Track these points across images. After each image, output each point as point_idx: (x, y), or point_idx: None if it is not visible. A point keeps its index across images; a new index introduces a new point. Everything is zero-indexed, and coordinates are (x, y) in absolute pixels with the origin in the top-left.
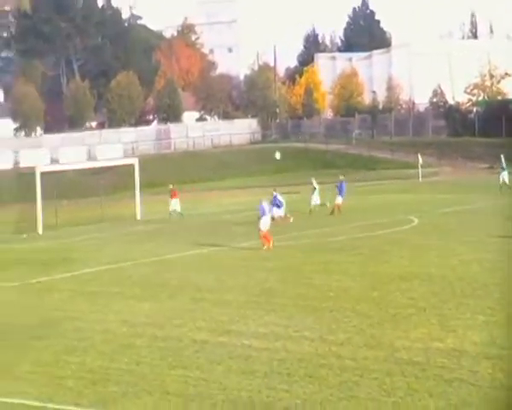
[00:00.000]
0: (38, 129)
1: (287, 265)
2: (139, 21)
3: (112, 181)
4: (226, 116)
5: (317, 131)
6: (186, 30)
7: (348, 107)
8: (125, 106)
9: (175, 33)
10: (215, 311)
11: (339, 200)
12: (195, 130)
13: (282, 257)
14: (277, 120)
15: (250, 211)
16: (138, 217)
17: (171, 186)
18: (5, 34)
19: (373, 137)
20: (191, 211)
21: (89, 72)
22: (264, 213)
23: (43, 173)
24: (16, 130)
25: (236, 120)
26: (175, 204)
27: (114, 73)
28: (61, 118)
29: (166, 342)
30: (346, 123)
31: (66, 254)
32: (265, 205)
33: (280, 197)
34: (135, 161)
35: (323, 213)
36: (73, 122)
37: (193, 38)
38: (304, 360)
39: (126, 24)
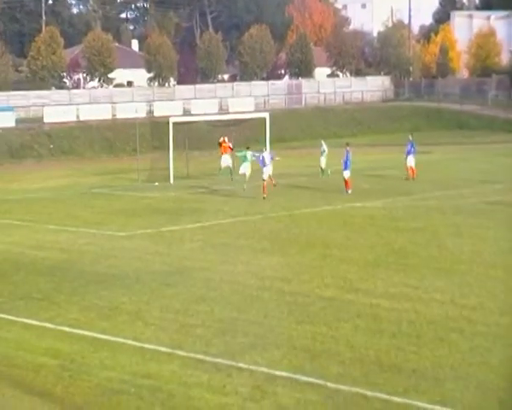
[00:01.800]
0: (172, 79)
1: (417, 226)
2: None
3: (243, 134)
4: (358, 73)
5: (451, 91)
6: None
7: (484, 67)
8: (257, 59)
9: None
10: (343, 268)
11: (411, 162)
12: (327, 86)
13: (413, 218)
14: (410, 79)
15: (381, 169)
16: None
17: (222, 138)
18: None
19: (510, 98)
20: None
21: (222, 24)
22: (264, 165)
23: (175, 123)
24: (150, 80)
25: (369, 77)
26: (227, 160)
27: (247, 25)
28: (193, 69)
29: (294, 297)
30: (482, 83)
31: (196, 205)
32: (266, 155)
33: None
34: (266, 115)
35: (430, 175)
36: (206, 74)
37: None
38: (434, 323)
39: None
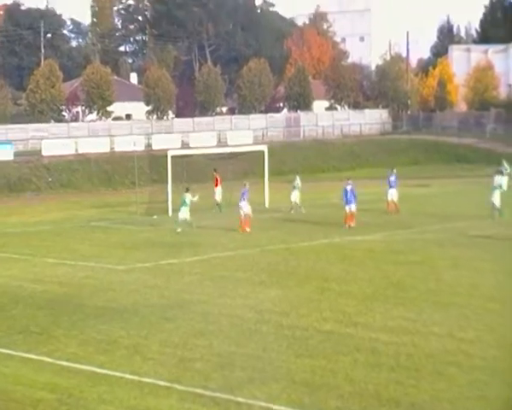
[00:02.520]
0: (170, 113)
1: (416, 259)
2: (271, 8)
3: (241, 167)
4: (356, 106)
5: (449, 124)
6: (318, 18)
7: (482, 100)
8: (255, 92)
9: (307, 21)
10: (341, 302)
11: (393, 195)
12: (325, 119)
13: (412, 251)
14: (408, 112)
15: (380, 202)
16: (267, 204)
17: (214, 173)
18: (140, 18)
19: (508, 131)
20: (320, 200)
21: (220, 57)
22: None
23: (173, 157)
24: (149, 113)
25: (367, 110)
26: (218, 193)
27: (246, 59)
28: (192, 102)
29: (292, 331)
30: (480, 117)
31: (194, 238)
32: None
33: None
34: (264, 148)
35: (427, 210)
36: (204, 107)
37: (325, 26)
38: (432, 356)
39: (258, 10)
